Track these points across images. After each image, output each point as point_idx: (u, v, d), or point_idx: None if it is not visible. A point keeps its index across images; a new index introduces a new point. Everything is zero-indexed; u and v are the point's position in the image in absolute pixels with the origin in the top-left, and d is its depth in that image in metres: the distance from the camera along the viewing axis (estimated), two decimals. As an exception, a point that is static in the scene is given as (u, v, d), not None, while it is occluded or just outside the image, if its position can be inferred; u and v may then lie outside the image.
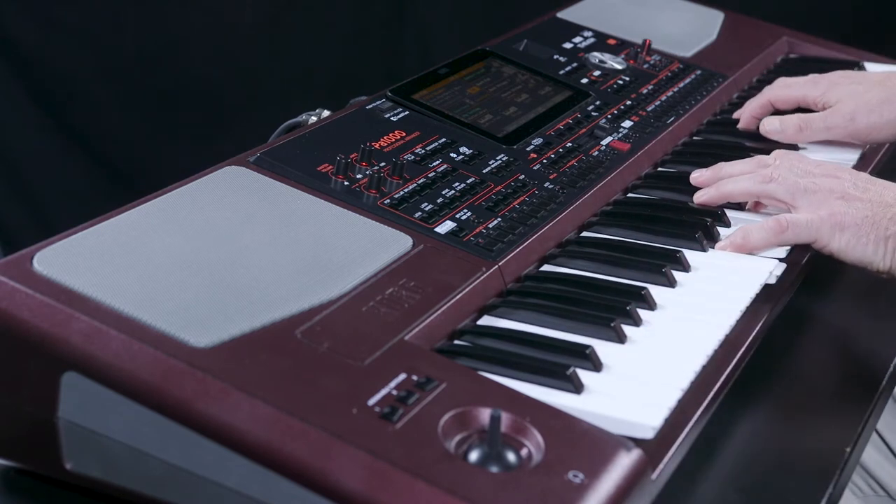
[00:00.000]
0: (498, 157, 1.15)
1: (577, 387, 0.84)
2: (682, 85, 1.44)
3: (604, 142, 1.24)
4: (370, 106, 1.20)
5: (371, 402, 0.76)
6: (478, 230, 1.02)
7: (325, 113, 1.24)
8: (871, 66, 1.62)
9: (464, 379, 0.81)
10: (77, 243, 0.88)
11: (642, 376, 0.87)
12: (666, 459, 0.80)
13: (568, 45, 1.48)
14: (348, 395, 0.77)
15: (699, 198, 1.15)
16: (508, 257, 1.00)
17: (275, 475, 0.74)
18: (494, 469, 0.73)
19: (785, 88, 1.35)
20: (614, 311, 0.94)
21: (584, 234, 1.10)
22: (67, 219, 0.99)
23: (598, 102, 1.33)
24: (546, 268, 1.04)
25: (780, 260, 1.06)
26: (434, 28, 2.47)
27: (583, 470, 0.72)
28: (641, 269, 1.02)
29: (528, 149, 1.19)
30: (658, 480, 0.79)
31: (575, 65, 1.42)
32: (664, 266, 1.02)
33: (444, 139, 1.16)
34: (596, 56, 1.45)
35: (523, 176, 1.13)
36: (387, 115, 1.18)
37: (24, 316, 0.81)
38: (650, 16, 1.65)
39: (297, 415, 0.74)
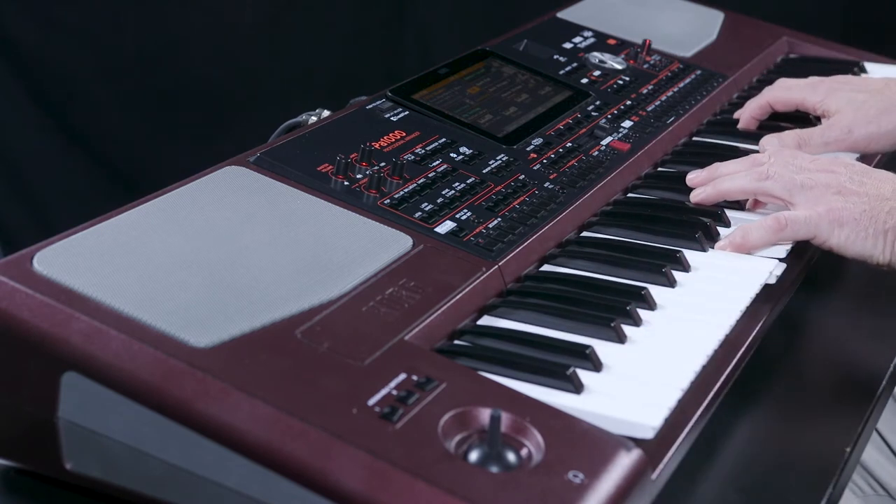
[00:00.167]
0: (498, 157, 1.15)
1: (577, 387, 0.84)
2: (682, 85, 1.44)
3: (604, 142, 1.24)
4: (370, 106, 1.20)
5: (371, 402, 0.76)
6: (478, 230, 1.02)
7: (325, 113, 1.24)
8: (871, 67, 1.62)
9: (464, 379, 0.81)
10: (77, 243, 0.88)
11: (642, 376, 0.87)
12: (666, 459, 0.80)
13: (568, 45, 1.48)
14: (348, 395, 0.77)
15: (695, 197, 1.14)
16: (508, 257, 1.00)
17: (275, 475, 0.74)
18: (494, 469, 0.73)
19: (784, 91, 1.35)
20: (614, 311, 0.94)
21: (584, 234, 1.10)
22: (67, 219, 0.99)
23: (598, 102, 1.33)
24: (546, 268, 1.04)
25: (780, 260, 1.06)
26: (434, 28, 2.47)
27: (583, 470, 0.72)
28: (641, 269, 1.02)
29: (528, 149, 1.19)
30: (658, 480, 0.79)
31: (575, 65, 1.42)
32: (664, 266, 1.02)
33: (444, 139, 1.16)
34: (596, 56, 1.45)
35: (523, 176, 1.13)
36: (387, 115, 1.18)
37: (24, 316, 0.81)
38: (650, 16, 1.65)
39: (297, 415, 0.74)
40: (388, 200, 1.03)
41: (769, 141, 1.27)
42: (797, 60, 1.65)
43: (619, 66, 1.44)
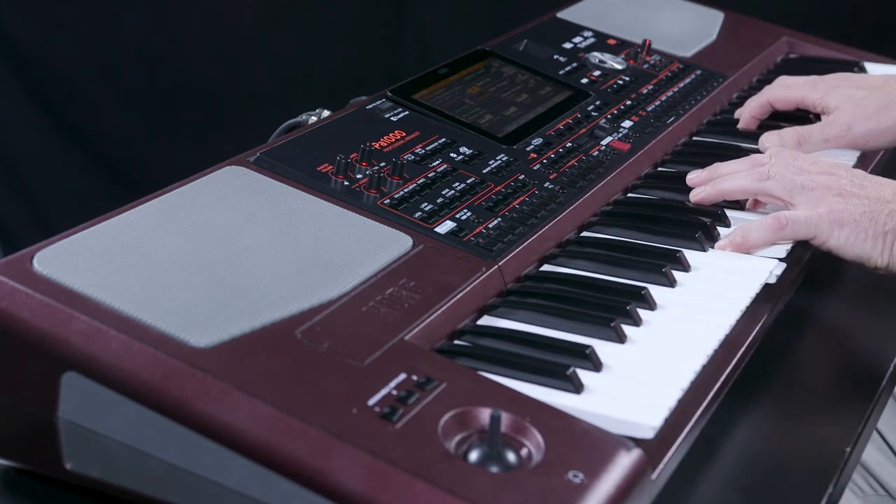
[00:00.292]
0: (498, 157, 1.15)
1: (577, 387, 0.84)
2: (682, 85, 1.44)
3: (604, 142, 1.24)
4: (370, 106, 1.20)
5: (371, 402, 0.76)
6: (478, 230, 1.02)
7: (325, 113, 1.24)
8: (871, 67, 1.62)
9: (464, 379, 0.81)
10: (77, 243, 0.88)
11: (642, 376, 0.87)
12: (666, 459, 0.80)
13: (568, 45, 1.48)
14: (348, 395, 0.77)
15: (695, 196, 1.14)
16: (508, 257, 1.00)
17: (275, 475, 0.74)
18: (494, 469, 0.73)
19: (784, 89, 1.35)
20: (614, 311, 0.94)
21: (584, 234, 1.10)
22: (67, 219, 0.99)
23: (598, 102, 1.33)
24: (546, 268, 1.04)
25: (780, 260, 1.06)
26: (434, 28, 2.47)
27: (583, 470, 0.72)
28: (641, 269, 1.02)
29: (528, 149, 1.19)
30: (658, 480, 0.79)
31: (575, 65, 1.42)
32: (664, 266, 1.02)
33: (444, 139, 1.16)
34: (596, 56, 1.45)
35: (523, 176, 1.13)
36: (387, 115, 1.18)
37: (24, 316, 0.81)
38: (650, 16, 1.65)
39: (297, 415, 0.74)
40: (388, 200, 1.03)
41: (769, 138, 1.27)
42: (797, 60, 1.65)
43: (619, 66, 1.44)
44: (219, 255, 0.89)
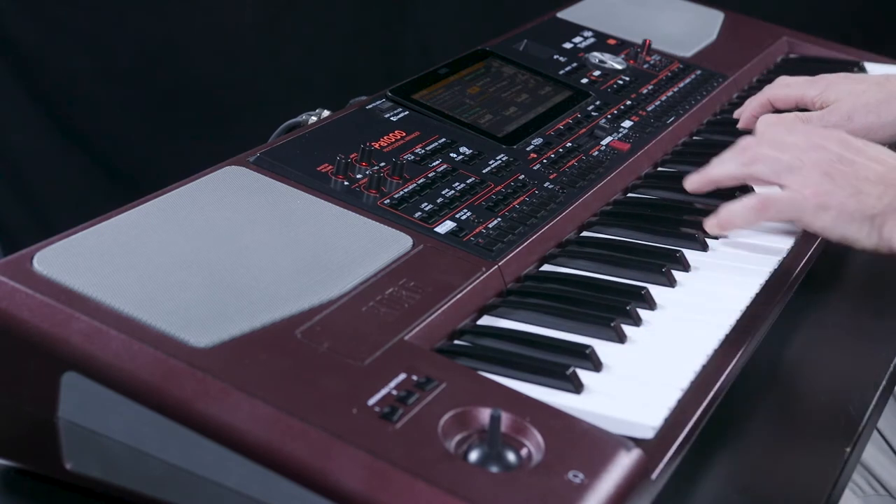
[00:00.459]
0: (498, 157, 1.15)
1: (577, 387, 0.84)
2: (682, 85, 1.44)
3: (604, 142, 1.24)
4: (370, 106, 1.20)
5: (371, 402, 0.76)
6: (478, 230, 1.02)
7: (325, 113, 1.24)
8: (871, 67, 1.62)
9: (464, 379, 0.81)
10: (77, 243, 0.88)
11: (642, 376, 0.87)
12: (666, 459, 0.80)
13: (568, 45, 1.48)
14: (348, 395, 0.77)
15: (688, 184, 1.11)
16: (508, 257, 1.00)
17: (275, 475, 0.74)
18: (494, 469, 0.73)
19: (784, 88, 1.35)
20: (614, 311, 0.94)
21: (584, 234, 1.10)
22: (67, 219, 0.99)
23: (598, 102, 1.33)
24: (546, 268, 1.04)
25: (780, 260, 1.06)
26: (434, 28, 2.47)
27: (583, 470, 0.72)
28: (641, 269, 1.02)
29: (528, 149, 1.19)
30: (658, 480, 0.79)
31: (575, 65, 1.42)
32: (664, 266, 1.02)
33: (444, 139, 1.16)
34: (596, 56, 1.45)
35: (523, 176, 1.13)
36: (387, 115, 1.18)
37: (24, 316, 0.81)
38: (650, 16, 1.65)
39: (297, 415, 0.74)
40: (388, 200, 1.03)
41: (767, 119, 1.26)
42: (797, 60, 1.65)
43: (619, 66, 1.44)
44: (219, 255, 0.89)
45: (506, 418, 0.76)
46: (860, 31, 2.45)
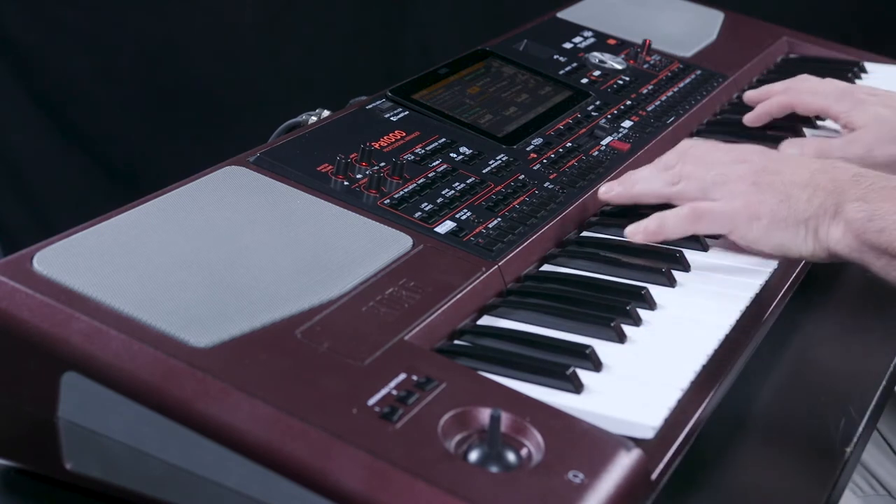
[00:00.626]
0: (498, 157, 1.15)
1: (577, 387, 0.84)
2: (682, 85, 1.44)
3: (604, 142, 1.24)
4: (370, 106, 1.20)
5: (371, 402, 0.76)
6: (478, 230, 1.02)
7: (325, 113, 1.24)
8: (871, 66, 1.62)
9: (464, 379, 0.81)
10: (77, 243, 0.88)
11: (642, 376, 0.87)
12: (666, 459, 0.80)
13: (568, 45, 1.48)
14: (348, 395, 0.77)
15: (605, 194, 1.11)
16: (508, 257, 1.00)
17: (275, 475, 0.74)
18: (494, 469, 0.73)
19: (810, 95, 1.31)
20: (614, 311, 0.94)
21: (584, 234, 1.10)
22: (67, 219, 0.99)
23: (598, 102, 1.33)
24: (546, 268, 1.04)
25: (779, 262, 1.06)
26: (434, 28, 2.47)
27: (583, 470, 0.72)
28: (641, 269, 1.02)
29: (528, 149, 1.19)
30: (658, 480, 0.79)
31: (575, 65, 1.42)
32: (664, 266, 1.02)
33: (444, 139, 1.16)
34: (596, 56, 1.45)
35: (523, 176, 1.13)
36: (387, 115, 1.18)
37: (24, 316, 0.81)
38: (650, 16, 1.65)
39: (297, 415, 0.74)
40: (388, 200, 1.03)
41: (790, 145, 1.24)
42: (797, 60, 1.65)
43: (619, 66, 1.44)
44: (219, 255, 0.89)
45: (506, 418, 0.76)
46: (860, 31, 2.45)
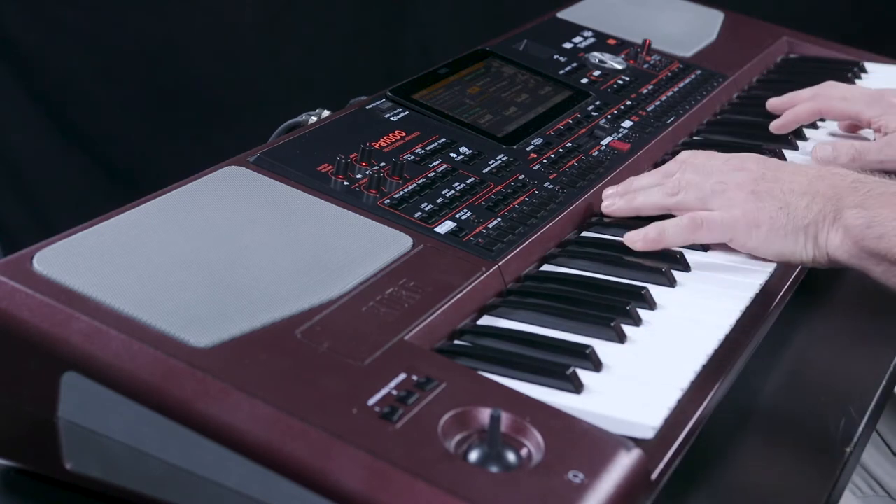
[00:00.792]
0: (498, 157, 1.15)
1: (577, 387, 0.84)
2: (682, 85, 1.44)
3: (604, 142, 1.24)
4: (370, 106, 1.20)
5: (371, 402, 0.76)
6: (478, 230, 1.02)
7: (325, 113, 1.24)
8: (871, 66, 1.62)
9: (464, 379, 0.81)
10: (77, 243, 0.88)
11: (642, 376, 0.87)
12: (666, 459, 0.80)
13: (568, 45, 1.48)
14: (348, 395, 0.77)
15: (607, 208, 1.11)
16: (508, 257, 1.00)
17: (275, 475, 0.74)
18: (494, 469, 0.72)
19: (841, 102, 1.31)
20: (614, 311, 0.94)
21: (584, 234, 1.10)
22: (67, 219, 0.99)
23: (598, 102, 1.33)
24: (546, 268, 1.04)
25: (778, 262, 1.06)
26: (434, 28, 2.47)
27: (583, 470, 0.72)
28: (641, 269, 1.02)
29: (528, 149, 1.19)
30: (658, 480, 0.79)
31: (575, 65, 1.42)
32: (664, 266, 1.02)
33: (444, 139, 1.16)
34: (596, 56, 1.45)
35: (523, 176, 1.13)
36: (387, 115, 1.18)
37: (24, 316, 0.81)
38: (650, 16, 1.65)
39: (297, 415, 0.74)
40: (388, 200, 1.03)
41: (823, 148, 1.23)
42: (797, 60, 1.65)
43: (619, 66, 1.44)
44: (219, 255, 0.89)
45: (506, 418, 0.76)
46: (860, 31, 2.45)
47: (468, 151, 1.15)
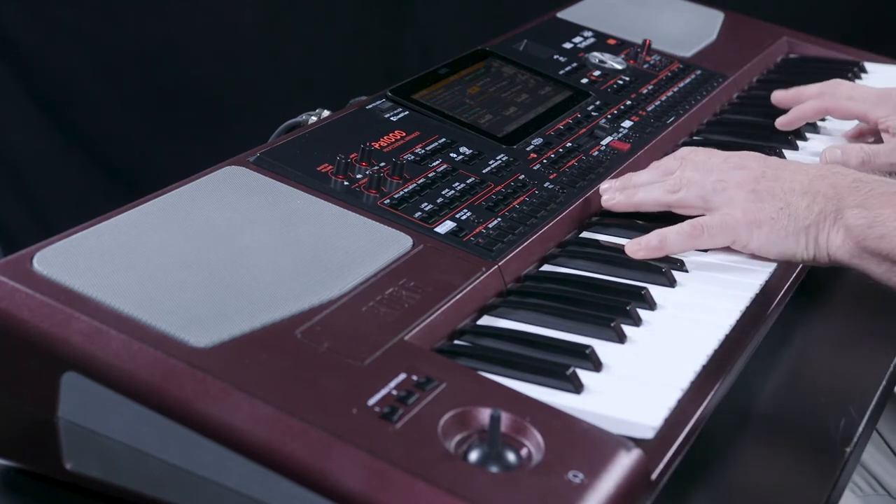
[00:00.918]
0: (498, 157, 1.15)
1: (577, 387, 0.84)
2: (682, 85, 1.44)
3: (604, 142, 1.24)
4: (370, 106, 1.20)
5: (371, 402, 0.76)
6: (478, 230, 1.02)
7: (325, 113, 1.24)
8: (871, 66, 1.62)
9: (464, 379, 0.81)
10: (77, 243, 0.88)
11: (642, 376, 0.87)
12: (666, 459, 0.80)
13: (568, 45, 1.48)
14: (348, 395, 0.77)
15: (607, 202, 1.11)
16: (508, 257, 1.00)
17: (275, 475, 0.74)
18: (494, 469, 0.73)
19: (847, 101, 1.30)
20: (614, 311, 0.94)
21: (584, 234, 1.10)
22: (67, 219, 0.99)
23: (598, 102, 1.33)
24: (546, 268, 1.04)
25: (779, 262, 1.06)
26: (434, 28, 2.47)
27: (583, 470, 0.72)
28: (641, 268, 1.02)
29: (528, 149, 1.19)
30: (658, 480, 0.79)
31: (575, 65, 1.42)
32: (664, 266, 1.02)
33: (444, 139, 1.16)
34: (596, 56, 1.45)
35: (523, 176, 1.13)
36: (387, 115, 1.18)
37: (24, 316, 0.81)
38: (650, 16, 1.65)
39: (297, 415, 0.74)
40: (388, 200, 1.03)
41: (832, 153, 1.23)
42: (797, 60, 1.65)
43: (619, 66, 1.44)
44: (219, 255, 0.89)
45: (506, 418, 0.76)
46: (860, 31, 2.45)
47: (468, 151, 1.15)
